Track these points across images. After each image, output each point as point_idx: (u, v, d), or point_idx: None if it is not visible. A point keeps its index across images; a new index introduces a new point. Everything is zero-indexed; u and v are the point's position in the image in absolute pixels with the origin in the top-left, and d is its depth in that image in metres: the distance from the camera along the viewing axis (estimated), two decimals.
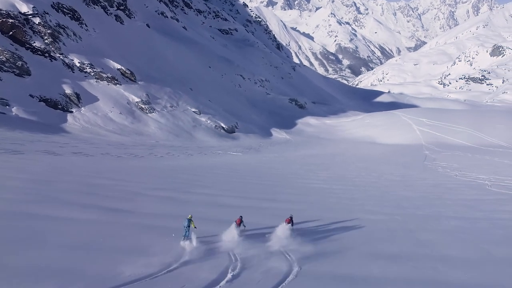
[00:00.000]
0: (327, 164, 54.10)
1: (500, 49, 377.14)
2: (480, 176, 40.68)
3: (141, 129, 76.83)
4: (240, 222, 13.93)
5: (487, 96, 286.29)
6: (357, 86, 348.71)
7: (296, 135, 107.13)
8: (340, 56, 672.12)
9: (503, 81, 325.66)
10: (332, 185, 31.61)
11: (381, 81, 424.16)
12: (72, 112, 72.67)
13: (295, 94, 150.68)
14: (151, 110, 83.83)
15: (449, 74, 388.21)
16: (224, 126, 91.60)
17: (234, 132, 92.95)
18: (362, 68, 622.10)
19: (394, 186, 33.23)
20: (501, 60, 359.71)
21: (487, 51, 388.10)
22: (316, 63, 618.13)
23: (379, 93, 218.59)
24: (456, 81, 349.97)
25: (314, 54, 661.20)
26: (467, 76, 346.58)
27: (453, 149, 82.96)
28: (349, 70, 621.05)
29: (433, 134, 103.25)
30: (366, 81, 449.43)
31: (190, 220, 12.77)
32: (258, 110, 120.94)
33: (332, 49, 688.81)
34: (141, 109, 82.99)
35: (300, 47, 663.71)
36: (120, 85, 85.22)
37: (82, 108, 74.80)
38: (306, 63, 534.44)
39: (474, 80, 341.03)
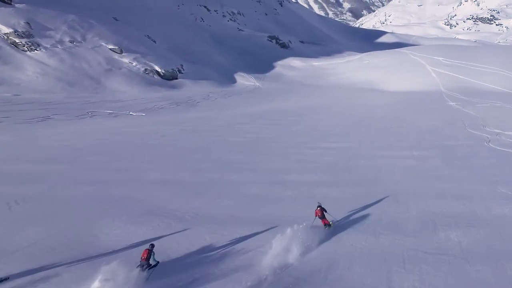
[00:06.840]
0: (267, 139, 24.68)
1: None
2: None
3: (7, 75, 46.90)
4: (148, 255, 9.26)
5: (498, 36, 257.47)
6: None
7: (270, 81, 76.38)
8: None
9: None
10: None
11: (383, 23, 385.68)
12: None
13: (281, 32, 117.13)
14: (32, 47, 53.30)
15: (455, 15, 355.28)
16: (159, 70, 60.84)
17: (176, 79, 62.37)
18: (364, 11, 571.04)
19: None
20: None
21: None
22: (315, 7, 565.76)
23: (382, 33, 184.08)
24: (464, 21, 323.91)
25: None
26: (475, 17, 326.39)
27: (487, 97, 54.97)
28: (350, 14, 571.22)
29: (455, 77, 72.93)
30: (367, 23, 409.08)
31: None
32: (225, 49, 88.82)
33: None
34: (14, 44, 52.57)
35: None
36: None
37: None
38: (305, 6, 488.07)
39: (483, 20, 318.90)
